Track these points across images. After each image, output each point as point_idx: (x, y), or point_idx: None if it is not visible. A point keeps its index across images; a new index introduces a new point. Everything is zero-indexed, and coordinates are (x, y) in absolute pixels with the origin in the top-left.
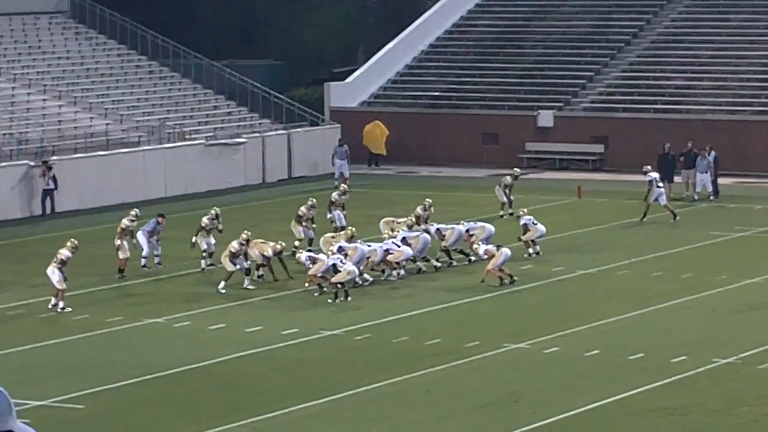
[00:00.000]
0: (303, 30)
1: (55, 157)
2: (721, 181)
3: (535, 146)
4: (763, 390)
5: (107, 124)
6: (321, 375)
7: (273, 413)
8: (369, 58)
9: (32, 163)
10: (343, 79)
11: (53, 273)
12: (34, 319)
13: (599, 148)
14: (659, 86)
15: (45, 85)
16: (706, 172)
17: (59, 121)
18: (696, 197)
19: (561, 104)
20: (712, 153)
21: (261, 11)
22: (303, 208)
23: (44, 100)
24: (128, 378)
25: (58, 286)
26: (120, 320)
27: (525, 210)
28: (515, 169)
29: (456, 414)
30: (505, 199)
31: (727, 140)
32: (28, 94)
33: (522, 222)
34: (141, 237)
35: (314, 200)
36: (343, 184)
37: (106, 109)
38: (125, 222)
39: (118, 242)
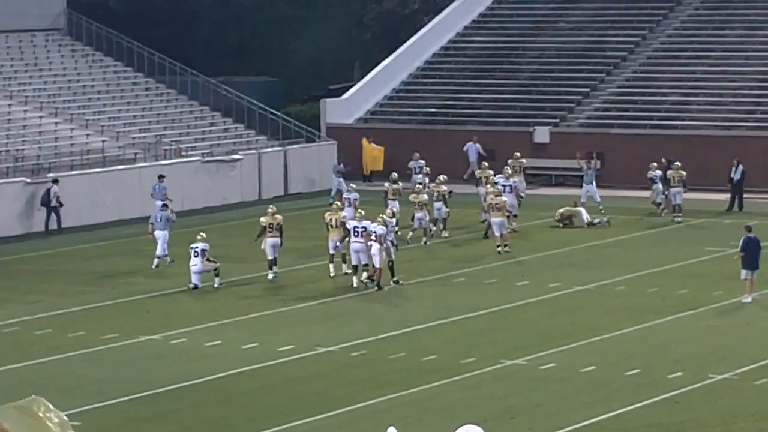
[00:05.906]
0: (299, 46)
1: (51, 174)
2: (716, 196)
3: (531, 162)
4: (759, 406)
5: (103, 141)
6: (317, 392)
7: (269, 430)
8: (365, 74)
9: (29, 180)
10: (340, 96)
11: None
12: (29, 336)
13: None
14: (655, 102)
15: (41, 102)
16: (592, 183)
17: (56, 138)
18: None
19: (557, 120)
20: (740, 167)
21: (257, 28)
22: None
23: (41, 117)
24: (124, 395)
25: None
26: (116, 337)
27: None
28: (392, 174)
29: (452, 430)
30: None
31: (723, 156)
32: (25, 111)
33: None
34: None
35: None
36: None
37: (103, 126)
38: (381, 229)
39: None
